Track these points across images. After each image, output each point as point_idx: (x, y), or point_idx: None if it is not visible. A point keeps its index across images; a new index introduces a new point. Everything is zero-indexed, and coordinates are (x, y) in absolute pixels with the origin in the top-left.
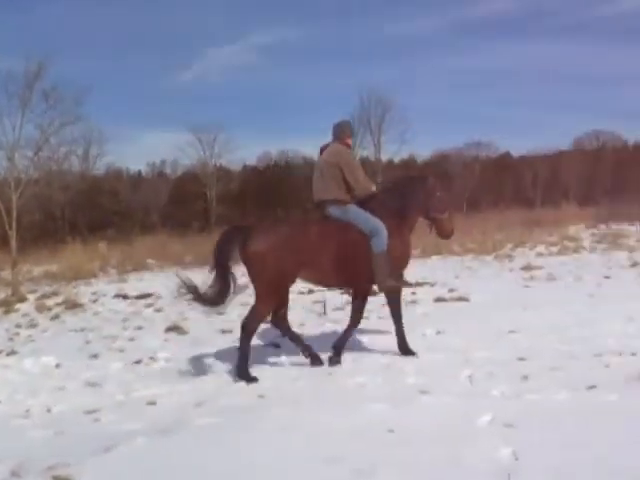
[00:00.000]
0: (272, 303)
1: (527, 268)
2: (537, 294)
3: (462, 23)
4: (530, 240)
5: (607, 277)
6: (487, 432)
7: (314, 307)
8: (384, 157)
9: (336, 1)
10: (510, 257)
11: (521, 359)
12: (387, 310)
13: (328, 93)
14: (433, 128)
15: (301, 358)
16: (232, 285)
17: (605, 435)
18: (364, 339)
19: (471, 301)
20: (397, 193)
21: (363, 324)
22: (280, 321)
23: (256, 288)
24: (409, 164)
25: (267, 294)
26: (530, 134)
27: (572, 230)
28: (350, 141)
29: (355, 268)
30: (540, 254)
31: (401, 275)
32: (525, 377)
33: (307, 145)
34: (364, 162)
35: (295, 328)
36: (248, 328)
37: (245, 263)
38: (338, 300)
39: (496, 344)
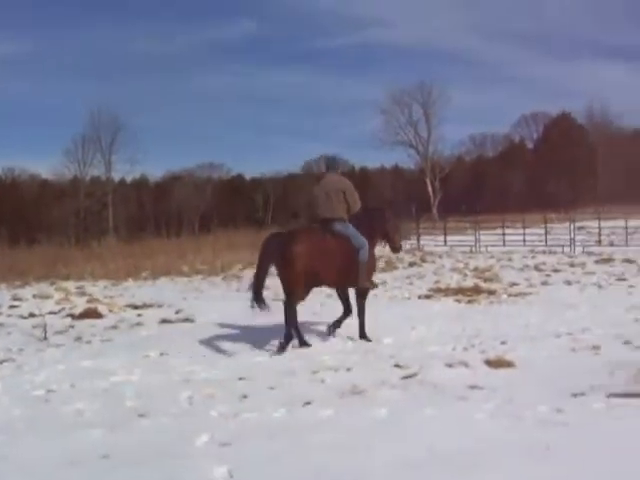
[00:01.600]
0: (300, 292)
1: None
2: (262, 315)
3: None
4: None
5: (330, 295)
6: (203, 452)
7: (34, 332)
8: (116, 176)
9: (66, 15)
10: (239, 278)
11: (241, 378)
12: (112, 333)
13: (58, 110)
14: (165, 149)
15: (18, 385)
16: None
17: (322, 447)
18: (85, 363)
19: (196, 322)
20: (367, 219)
21: (85, 348)
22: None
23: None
24: (141, 184)
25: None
26: (262, 157)
27: None
28: (340, 172)
29: (352, 270)
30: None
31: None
32: (244, 396)
33: (35, 163)
34: (95, 181)
35: (14, 354)
36: (290, 305)
37: (285, 262)
38: (59, 324)
39: (218, 365)
